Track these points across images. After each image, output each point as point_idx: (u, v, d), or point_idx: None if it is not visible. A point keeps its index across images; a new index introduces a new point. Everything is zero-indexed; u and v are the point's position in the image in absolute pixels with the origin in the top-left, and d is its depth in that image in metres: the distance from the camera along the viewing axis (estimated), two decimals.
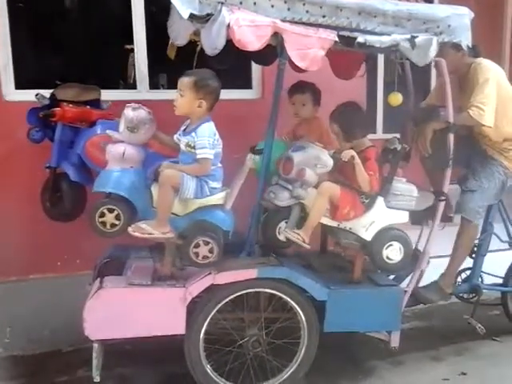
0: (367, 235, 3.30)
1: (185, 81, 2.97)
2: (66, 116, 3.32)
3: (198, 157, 2.95)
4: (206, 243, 3.02)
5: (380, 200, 3.29)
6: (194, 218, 3.05)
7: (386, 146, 3.41)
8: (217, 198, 3.07)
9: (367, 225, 3.29)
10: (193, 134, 2.98)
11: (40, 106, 3.38)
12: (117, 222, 2.97)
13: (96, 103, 3.54)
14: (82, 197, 3.46)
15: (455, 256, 3.90)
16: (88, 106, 3.46)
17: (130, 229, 2.94)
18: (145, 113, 3.06)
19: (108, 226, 2.96)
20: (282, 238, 3.26)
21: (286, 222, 3.26)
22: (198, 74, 2.98)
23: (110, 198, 3.00)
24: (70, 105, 3.36)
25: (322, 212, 3.22)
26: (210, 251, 3.03)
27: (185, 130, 3.09)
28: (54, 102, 3.36)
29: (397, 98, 3.42)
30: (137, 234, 2.93)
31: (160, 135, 3.18)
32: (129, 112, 3.03)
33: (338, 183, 3.27)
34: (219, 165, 3.09)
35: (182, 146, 3.03)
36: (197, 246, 3.02)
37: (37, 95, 3.42)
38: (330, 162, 3.20)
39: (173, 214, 3.01)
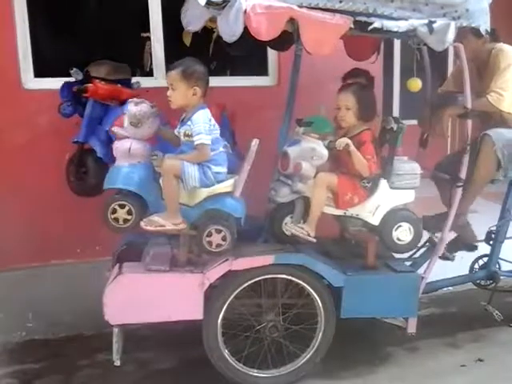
0: (374, 220, 3.29)
1: (173, 74, 2.96)
2: (97, 92, 3.38)
3: (196, 143, 2.95)
4: (219, 231, 3.03)
5: (383, 182, 3.27)
6: (205, 208, 3.06)
7: (383, 127, 3.38)
8: (225, 186, 3.06)
9: (373, 209, 3.27)
10: (188, 122, 2.98)
11: (74, 80, 3.44)
12: (129, 217, 2.99)
13: (127, 82, 3.59)
14: (106, 173, 3.50)
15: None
16: (119, 85, 3.50)
17: (142, 223, 2.97)
18: (147, 107, 3.05)
19: (121, 222, 3.00)
20: (288, 233, 3.24)
21: (292, 217, 3.25)
22: (183, 64, 2.98)
23: (120, 194, 3.02)
24: (103, 82, 3.41)
25: (322, 203, 3.20)
26: (223, 239, 3.04)
27: (182, 120, 3.09)
28: (88, 78, 3.41)
29: (416, 84, 3.40)
30: (149, 227, 2.96)
31: (164, 130, 3.20)
32: (131, 107, 3.03)
33: (336, 171, 3.26)
34: (221, 149, 3.07)
35: (181, 137, 3.05)
36: (209, 234, 3.03)
37: (71, 69, 3.48)
38: (326, 153, 3.16)
39: (184, 205, 3.02)
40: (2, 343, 3.80)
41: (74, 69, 3.48)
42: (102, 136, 3.40)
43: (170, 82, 2.98)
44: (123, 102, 3.37)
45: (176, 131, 3.13)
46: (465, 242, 3.93)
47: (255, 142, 3.03)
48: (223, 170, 3.07)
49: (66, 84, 3.46)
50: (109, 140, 3.35)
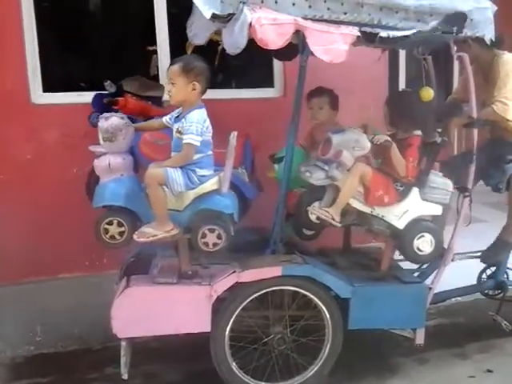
0: (400, 224, 3.29)
1: (173, 69, 2.96)
2: (127, 107, 3.41)
3: (184, 142, 2.92)
4: (212, 231, 3.02)
5: (415, 191, 3.29)
6: (195, 209, 3.04)
7: (425, 140, 3.40)
8: (211, 184, 3.03)
9: (400, 214, 3.28)
10: (183, 120, 2.96)
11: (107, 92, 3.48)
12: (122, 229, 3.00)
13: (157, 100, 3.61)
14: None
15: None
16: (149, 102, 3.52)
17: (134, 236, 2.96)
18: (118, 119, 3.03)
19: (118, 237, 3.00)
20: (313, 217, 3.25)
21: (320, 203, 3.26)
22: (183, 60, 2.98)
23: (109, 211, 3.02)
24: (134, 97, 3.43)
25: (352, 191, 3.20)
26: (218, 237, 3.03)
27: (177, 116, 3.07)
28: (120, 91, 3.45)
29: (428, 93, 3.39)
30: (142, 239, 2.94)
31: (142, 126, 3.21)
32: (102, 123, 3.00)
33: (374, 167, 3.29)
34: (209, 152, 3.05)
35: (174, 133, 3.03)
36: (204, 236, 3.02)
37: (105, 82, 3.52)
38: (368, 145, 3.18)
39: (173, 210, 3.01)
40: (11, 357, 3.79)
41: (108, 81, 3.53)
42: None
43: (169, 77, 2.97)
44: (150, 119, 3.41)
45: (165, 119, 3.13)
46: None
47: (233, 135, 2.99)
48: (209, 173, 3.04)
49: (98, 95, 3.51)
50: (131, 154, 3.36)
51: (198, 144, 2.94)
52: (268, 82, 4.63)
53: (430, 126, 3.70)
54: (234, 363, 3.19)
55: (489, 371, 3.56)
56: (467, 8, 3.12)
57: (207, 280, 3.12)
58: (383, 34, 2.94)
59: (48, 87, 4.08)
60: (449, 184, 3.35)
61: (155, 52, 4.47)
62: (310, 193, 3.31)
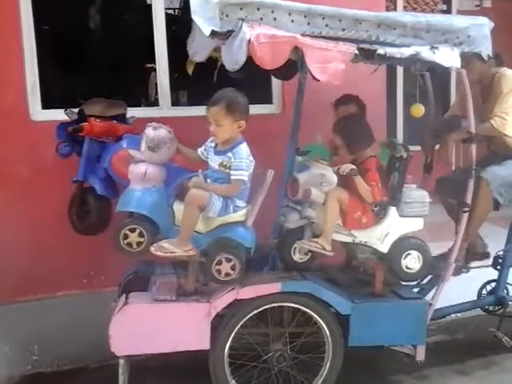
0: (383, 247, 3.29)
1: (217, 111, 2.91)
2: (93, 131, 3.38)
3: (234, 178, 2.95)
4: (228, 260, 3.02)
5: (392, 210, 3.28)
6: (216, 235, 3.06)
7: (392, 154, 3.40)
8: (239, 215, 3.07)
9: (382, 237, 3.27)
10: (229, 154, 2.96)
11: (69, 121, 3.45)
12: (141, 240, 2.99)
13: (122, 118, 3.60)
14: (108, 210, 3.50)
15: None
16: (114, 121, 3.52)
17: (152, 248, 2.94)
18: (165, 132, 3.08)
19: (135, 246, 3.00)
20: (297, 258, 3.26)
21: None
22: (225, 98, 2.93)
23: (131, 218, 3.03)
24: (98, 120, 3.42)
25: (335, 216, 3.20)
26: (232, 268, 3.03)
27: (216, 147, 3.06)
28: (82, 117, 3.42)
29: (419, 110, 3.42)
30: (159, 253, 2.92)
31: (183, 149, 3.18)
32: (150, 131, 3.05)
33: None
34: (248, 184, 3.08)
35: (215, 165, 3.02)
36: (219, 263, 3.02)
37: (66, 110, 3.49)
38: (335, 179, 3.18)
39: (195, 231, 3.01)
40: (7, 377, 3.76)
41: (68, 109, 3.49)
42: (100, 173, 3.41)
43: (213, 118, 2.93)
44: (120, 138, 3.40)
45: (200, 151, 3.12)
46: (476, 251, 3.93)
47: (270, 173, 3.04)
48: (243, 204, 3.07)
49: (61, 125, 3.46)
50: (108, 177, 3.38)
51: (247, 179, 2.97)
52: (266, 99, 4.64)
53: (429, 140, 3.72)
54: (233, 381, 3.16)
55: None
56: (464, 24, 3.15)
57: (206, 297, 3.11)
58: (381, 50, 2.96)
59: (47, 104, 4.08)
60: (425, 195, 3.33)
61: (154, 69, 4.47)
62: (289, 235, 3.28)
